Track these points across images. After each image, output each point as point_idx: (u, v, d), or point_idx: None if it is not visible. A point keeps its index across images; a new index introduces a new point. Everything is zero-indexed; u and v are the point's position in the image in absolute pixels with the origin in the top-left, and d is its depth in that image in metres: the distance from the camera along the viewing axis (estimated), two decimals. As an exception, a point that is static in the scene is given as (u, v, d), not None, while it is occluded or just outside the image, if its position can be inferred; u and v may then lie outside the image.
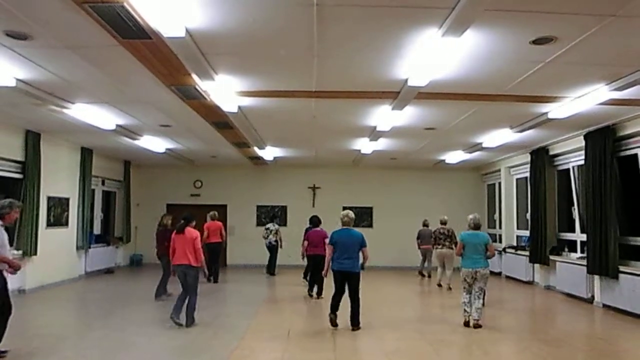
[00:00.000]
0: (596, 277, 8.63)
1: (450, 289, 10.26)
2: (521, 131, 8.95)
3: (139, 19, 4.27)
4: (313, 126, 9.10)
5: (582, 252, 9.62)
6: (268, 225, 12.69)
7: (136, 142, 10.45)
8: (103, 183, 13.32)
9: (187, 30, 4.60)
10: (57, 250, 10.52)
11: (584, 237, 9.33)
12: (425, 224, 12.30)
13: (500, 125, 8.91)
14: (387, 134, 9.46)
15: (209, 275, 10.80)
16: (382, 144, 10.62)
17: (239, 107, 7.53)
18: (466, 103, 7.24)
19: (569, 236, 10.42)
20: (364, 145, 10.95)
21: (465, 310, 6.86)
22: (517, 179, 12.95)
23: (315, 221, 9.70)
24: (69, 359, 5.49)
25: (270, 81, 6.38)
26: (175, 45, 4.90)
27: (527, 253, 11.26)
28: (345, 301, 6.75)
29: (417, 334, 6.64)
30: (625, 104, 6.92)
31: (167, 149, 11.80)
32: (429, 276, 12.33)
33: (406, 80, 6.08)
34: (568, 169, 10.31)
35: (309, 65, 5.68)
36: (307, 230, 10.04)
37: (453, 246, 10.44)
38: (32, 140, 9.47)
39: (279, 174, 15.07)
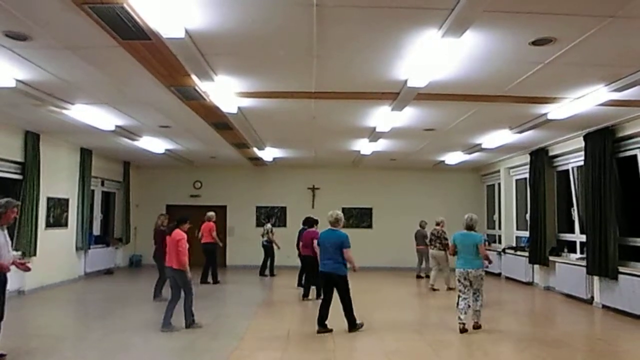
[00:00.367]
0: (596, 277, 8.63)
1: (450, 289, 10.17)
2: (521, 132, 8.96)
3: (138, 20, 4.27)
4: (313, 127, 9.10)
5: (581, 252, 9.62)
6: (264, 226, 12.75)
7: (136, 143, 10.45)
8: (102, 184, 13.33)
9: (186, 31, 4.60)
10: (57, 251, 10.51)
11: (583, 237, 9.33)
12: (421, 225, 12.28)
13: (500, 126, 8.91)
14: (386, 135, 9.47)
15: (201, 277, 10.83)
16: (381, 144, 10.63)
17: (239, 108, 7.53)
18: (466, 104, 7.24)
19: (568, 237, 10.42)
20: (364, 146, 10.95)
21: (459, 318, 6.62)
22: (516, 180, 12.96)
23: (309, 222, 9.68)
24: (68, 359, 5.49)
25: (269, 82, 6.39)
26: (174, 46, 4.90)
27: (527, 254, 11.25)
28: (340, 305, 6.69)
29: (417, 335, 6.64)
30: (625, 105, 6.92)
31: (166, 150, 11.80)
32: (427, 276, 12.29)
33: (406, 81, 6.09)
34: (567, 170, 10.31)
35: (308, 66, 5.68)
36: (301, 231, 10.03)
37: (442, 247, 10.43)
38: (32, 141, 9.47)
39: (279, 175, 15.08)
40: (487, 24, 4.40)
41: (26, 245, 9.18)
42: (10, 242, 5.25)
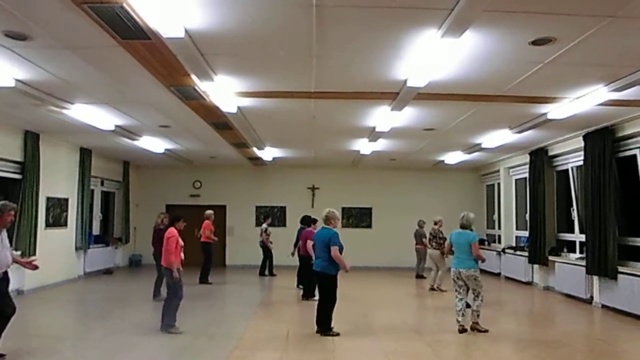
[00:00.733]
0: (595, 277, 8.64)
1: (439, 289, 10.13)
2: (520, 132, 8.96)
3: (138, 20, 4.26)
4: (312, 127, 9.10)
5: (581, 252, 9.62)
6: (261, 225, 12.77)
7: (135, 143, 10.44)
8: (102, 183, 13.32)
9: (186, 31, 4.60)
10: (56, 250, 10.51)
11: (583, 237, 9.33)
12: (419, 225, 12.27)
13: (500, 125, 8.92)
14: (386, 135, 9.47)
15: (200, 277, 10.81)
16: (381, 144, 10.63)
17: (238, 108, 7.53)
18: (465, 104, 7.24)
19: (568, 237, 10.42)
20: (363, 146, 10.95)
21: (457, 320, 6.61)
22: (516, 180, 12.96)
23: (307, 220, 9.69)
24: (68, 359, 5.49)
25: (269, 82, 6.38)
26: (174, 45, 4.90)
27: (526, 254, 11.26)
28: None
29: (416, 335, 6.65)
30: (624, 104, 6.92)
31: (166, 150, 11.79)
32: (423, 277, 12.28)
33: (405, 81, 6.08)
34: (567, 170, 10.31)
35: (308, 66, 5.68)
36: (299, 230, 10.04)
37: (437, 247, 10.42)
38: (31, 141, 9.46)
39: (278, 175, 15.08)
40: (487, 24, 4.40)
41: (25, 245, 9.17)
42: (8, 244, 5.24)
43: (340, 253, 6.48)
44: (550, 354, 5.76)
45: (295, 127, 9.24)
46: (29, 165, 9.39)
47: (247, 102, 7.23)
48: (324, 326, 6.44)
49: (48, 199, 10.23)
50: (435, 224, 10.81)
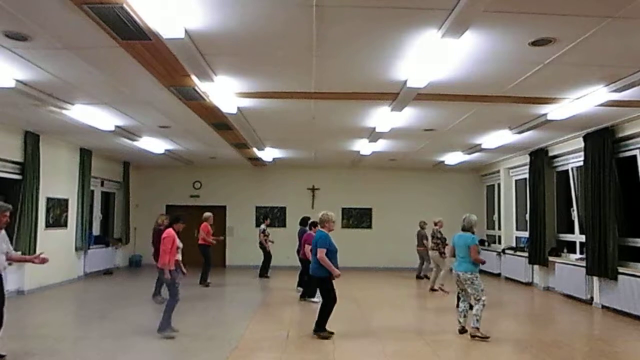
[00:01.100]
0: (595, 278, 8.64)
1: (441, 290, 10.09)
2: (520, 132, 8.96)
3: (138, 20, 4.27)
4: (312, 127, 9.11)
5: (581, 253, 9.62)
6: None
7: (135, 143, 10.44)
8: (102, 184, 13.32)
9: (186, 31, 4.60)
10: (56, 251, 10.47)
11: (583, 238, 9.33)
12: (420, 226, 12.22)
13: (500, 126, 8.92)
14: (386, 135, 9.47)
15: (200, 279, 10.78)
16: (381, 145, 10.63)
17: (238, 108, 7.53)
18: (465, 104, 7.24)
19: (568, 237, 10.42)
20: (363, 146, 10.95)
21: (458, 320, 6.64)
22: (516, 180, 12.96)
23: (305, 221, 9.66)
24: (67, 360, 5.50)
25: (269, 82, 6.39)
26: (174, 46, 4.90)
27: (526, 254, 11.26)
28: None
29: (416, 335, 6.64)
30: (624, 105, 6.93)
31: (166, 150, 11.80)
32: (427, 277, 12.28)
33: (405, 82, 6.09)
34: (567, 170, 10.31)
35: (308, 66, 5.68)
36: (299, 232, 10.03)
37: (435, 247, 10.42)
38: (31, 141, 9.47)
39: (278, 175, 15.08)
40: (487, 24, 4.41)
41: (25, 246, 9.17)
42: (5, 247, 5.22)
43: (333, 256, 6.39)
44: (550, 354, 5.76)
45: (295, 127, 9.24)
46: (29, 165, 9.39)
47: (247, 102, 7.23)
48: (318, 326, 6.39)
49: (48, 199, 10.23)
50: (435, 224, 10.81)
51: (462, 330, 6.55)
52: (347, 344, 6.16)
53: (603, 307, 8.44)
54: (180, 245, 6.63)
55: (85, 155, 11.66)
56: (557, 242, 10.65)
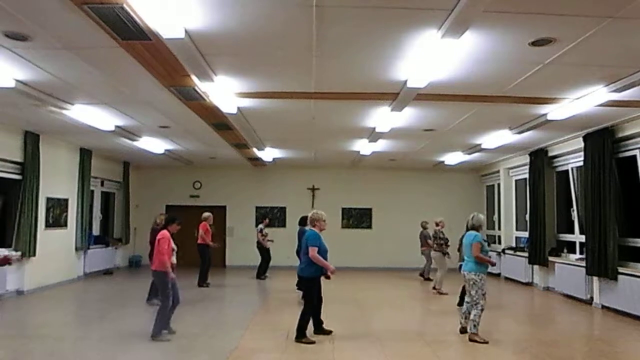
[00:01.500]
0: (595, 278, 8.64)
1: (438, 292, 10.08)
2: (520, 132, 8.96)
3: (138, 20, 4.27)
4: (312, 127, 9.11)
5: (581, 253, 9.62)
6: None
7: (135, 143, 10.45)
8: (102, 184, 13.33)
9: (186, 32, 4.60)
10: (56, 251, 10.51)
11: (583, 238, 9.33)
12: (422, 226, 12.21)
13: (500, 126, 8.92)
14: (386, 135, 9.47)
15: (198, 280, 10.76)
16: (381, 145, 10.63)
17: (238, 108, 7.53)
18: (465, 104, 7.24)
19: (568, 237, 10.42)
20: (363, 147, 10.95)
21: (460, 321, 6.66)
22: (516, 180, 12.96)
23: (305, 222, 9.63)
24: (67, 360, 5.50)
25: (269, 82, 6.39)
26: (174, 46, 4.90)
27: (526, 254, 11.26)
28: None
29: (416, 336, 6.64)
30: (624, 105, 6.93)
31: (166, 150, 11.80)
32: (429, 279, 12.26)
33: (405, 82, 6.09)
34: (567, 170, 10.32)
35: (308, 66, 5.68)
36: (299, 232, 9.99)
37: (438, 248, 10.37)
38: (31, 141, 9.47)
39: (278, 175, 15.08)
40: (487, 24, 4.41)
41: (25, 246, 9.17)
42: None
43: (323, 256, 6.24)
44: (550, 354, 5.76)
45: (295, 127, 9.24)
46: (29, 165, 9.39)
47: (247, 102, 7.24)
48: (299, 332, 6.15)
49: (48, 199, 10.23)
50: (437, 225, 10.79)
51: (463, 330, 6.55)
52: (346, 345, 6.15)
53: (603, 307, 8.44)
54: (175, 247, 6.43)
55: (85, 155, 11.66)
56: (557, 242, 10.65)
